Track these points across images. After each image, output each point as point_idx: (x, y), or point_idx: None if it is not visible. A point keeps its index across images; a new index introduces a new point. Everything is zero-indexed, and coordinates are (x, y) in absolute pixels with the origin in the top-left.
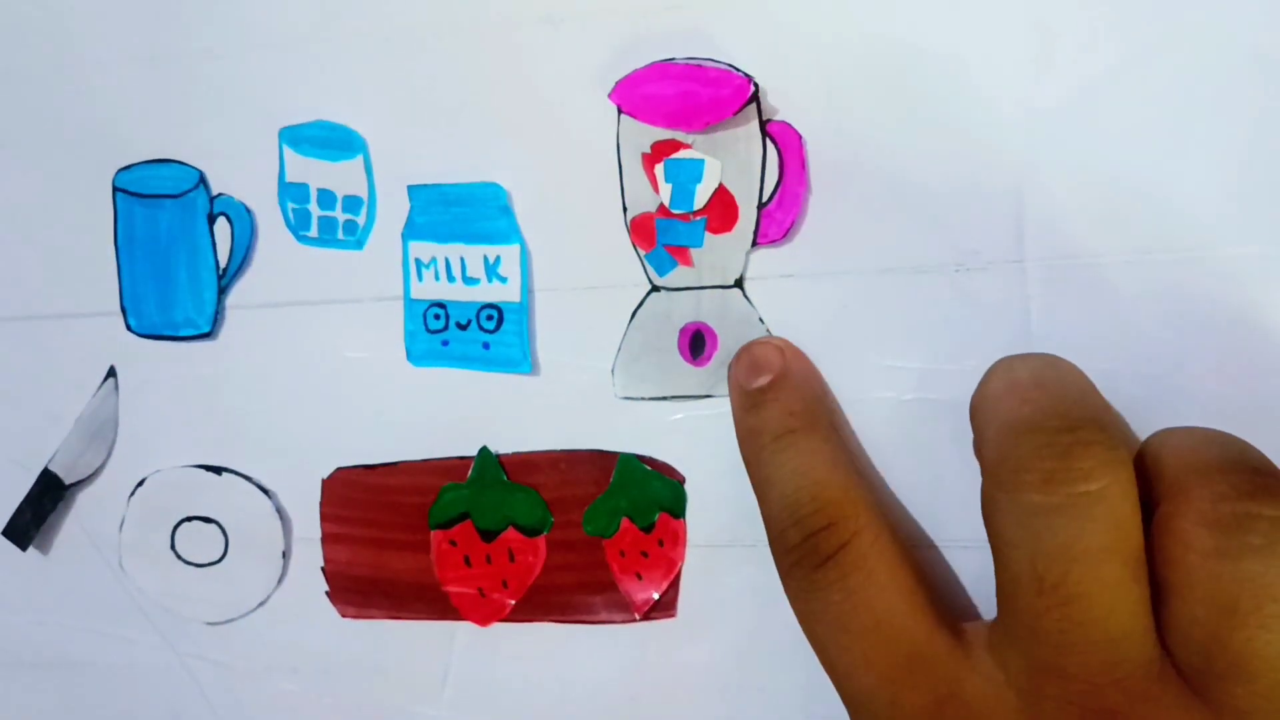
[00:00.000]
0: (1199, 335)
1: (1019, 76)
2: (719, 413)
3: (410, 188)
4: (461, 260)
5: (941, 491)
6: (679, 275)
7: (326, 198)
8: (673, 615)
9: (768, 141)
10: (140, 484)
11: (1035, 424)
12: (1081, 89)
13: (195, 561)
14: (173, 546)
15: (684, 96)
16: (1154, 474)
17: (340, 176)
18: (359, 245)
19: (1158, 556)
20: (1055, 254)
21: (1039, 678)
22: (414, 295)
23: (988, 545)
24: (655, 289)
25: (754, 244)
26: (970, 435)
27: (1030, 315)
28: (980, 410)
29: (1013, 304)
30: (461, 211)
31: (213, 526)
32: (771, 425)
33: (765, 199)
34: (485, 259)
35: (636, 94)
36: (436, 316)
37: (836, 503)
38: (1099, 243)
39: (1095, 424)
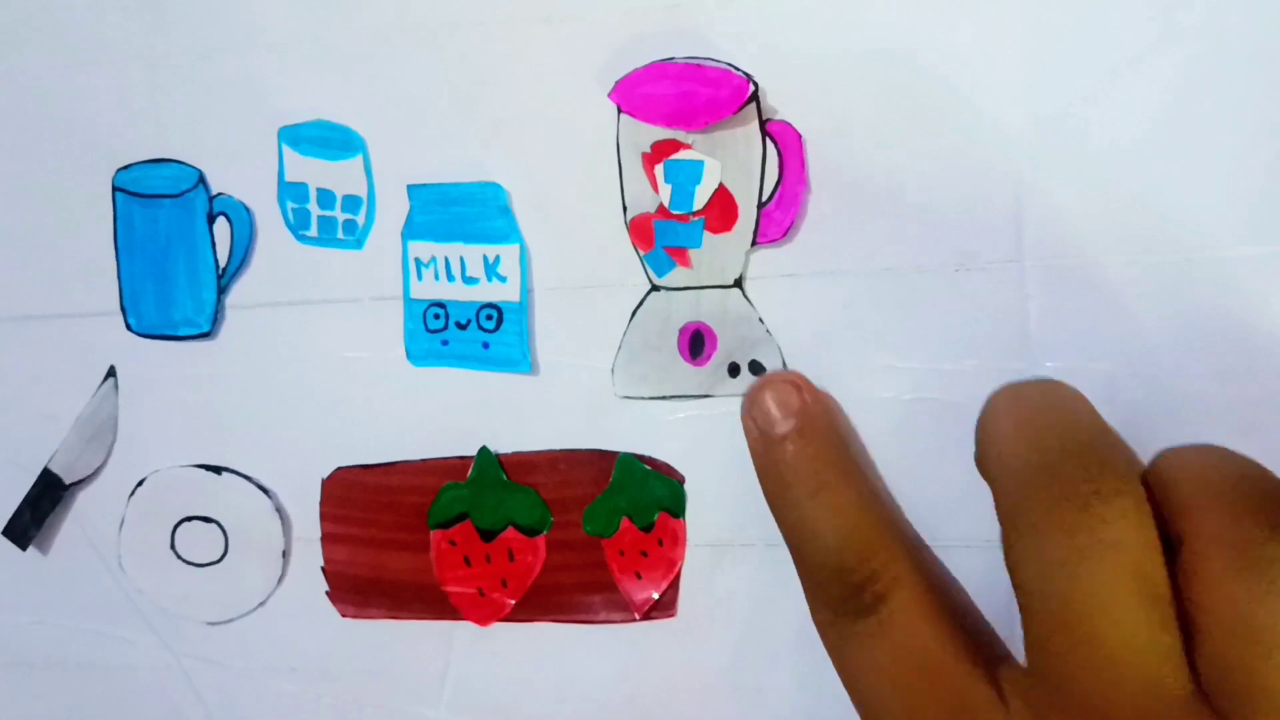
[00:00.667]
0: (1198, 337)
1: (1019, 77)
2: (719, 413)
3: (410, 187)
4: (461, 260)
5: (942, 492)
6: (678, 276)
7: (326, 197)
8: (672, 615)
9: (767, 141)
10: (140, 484)
11: (1051, 473)
12: (1081, 90)
13: (195, 561)
14: (172, 546)
15: (683, 96)
16: (1169, 500)
17: (340, 176)
18: (358, 245)
19: (1183, 593)
20: (1054, 255)
21: None
22: (413, 295)
23: (987, 544)
24: (655, 288)
25: (754, 243)
26: (970, 436)
27: (1029, 316)
28: (989, 450)
29: (1012, 305)
30: (461, 211)
31: (212, 526)
32: (805, 478)
33: (765, 199)
34: (485, 258)
35: (636, 93)
36: (436, 316)
37: (877, 555)
38: (1098, 244)
39: (1113, 471)
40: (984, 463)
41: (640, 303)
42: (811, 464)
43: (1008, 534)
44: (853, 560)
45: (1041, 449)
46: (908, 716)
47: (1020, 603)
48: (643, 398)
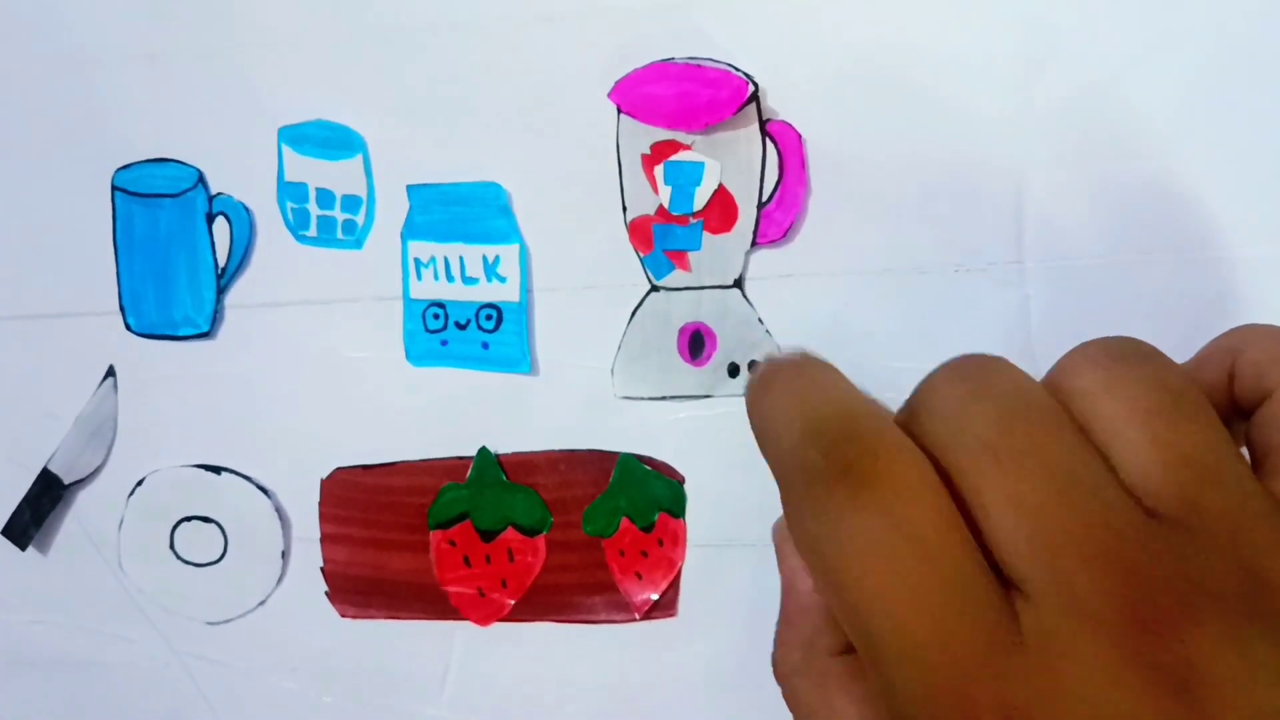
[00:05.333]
0: (1200, 336)
1: (1019, 77)
2: (719, 413)
3: (409, 187)
4: (461, 260)
5: None
6: (677, 278)
7: (325, 197)
8: (673, 615)
9: (767, 141)
10: (139, 483)
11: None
12: (1081, 89)
13: (194, 561)
14: (172, 546)
15: (683, 97)
16: (1246, 364)
17: (339, 176)
18: (358, 245)
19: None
20: (1055, 254)
21: (1058, 571)
22: (413, 295)
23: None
24: (655, 289)
25: (754, 244)
26: None
27: (1030, 315)
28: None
29: (1012, 304)
30: (461, 211)
31: (212, 526)
32: (784, 372)
33: (765, 199)
34: (484, 258)
35: (636, 94)
36: (436, 316)
37: (872, 421)
38: (1099, 243)
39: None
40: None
41: (640, 303)
42: (795, 374)
43: (902, 422)
44: (839, 422)
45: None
46: (900, 598)
47: (960, 478)
48: (642, 398)
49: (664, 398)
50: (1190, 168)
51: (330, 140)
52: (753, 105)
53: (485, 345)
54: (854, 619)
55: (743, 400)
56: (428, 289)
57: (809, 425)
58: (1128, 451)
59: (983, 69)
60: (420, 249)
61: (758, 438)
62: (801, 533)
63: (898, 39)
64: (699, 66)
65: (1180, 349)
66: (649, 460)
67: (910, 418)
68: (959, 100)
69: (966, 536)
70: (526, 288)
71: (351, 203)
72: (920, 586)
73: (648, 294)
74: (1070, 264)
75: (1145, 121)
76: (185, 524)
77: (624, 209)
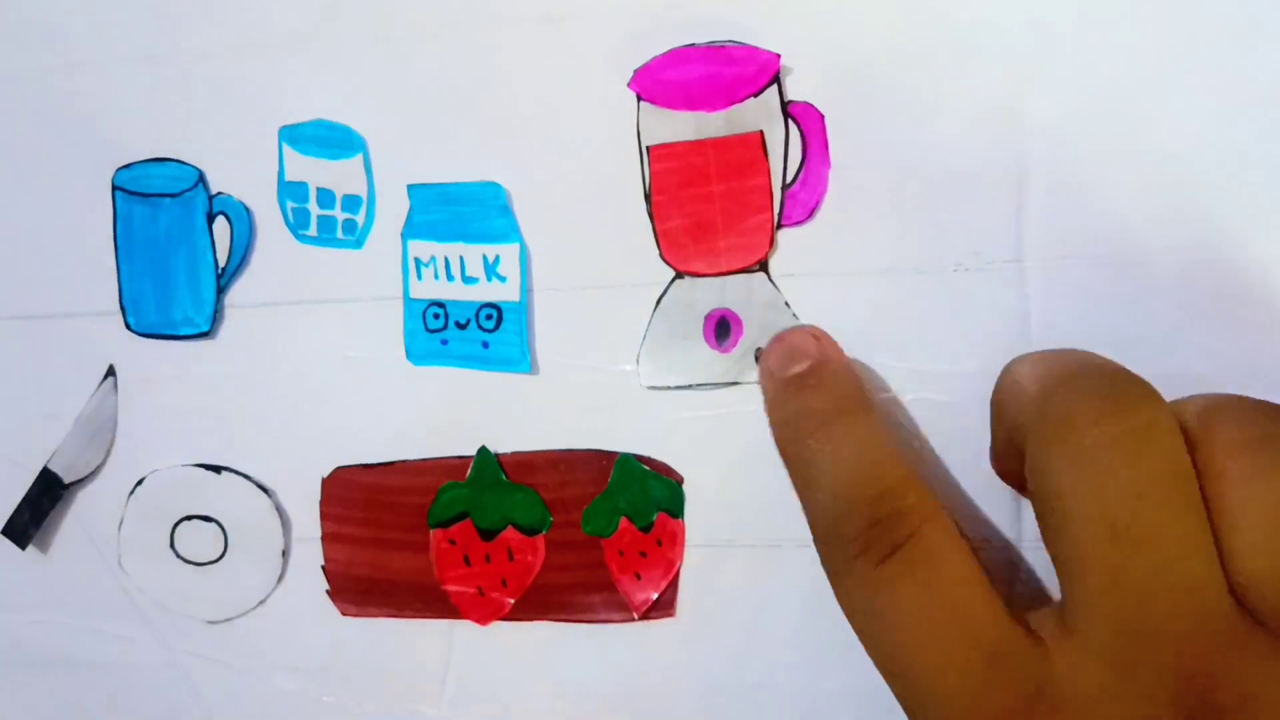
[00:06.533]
0: (1201, 337)
1: (1019, 75)
2: (719, 413)
3: (410, 187)
4: (461, 259)
5: (942, 494)
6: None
7: (326, 197)
8: (671, 615)
9: (789, 122)
10: (139, 483)
11: (1073, 372)
12: (1083, 89)
13: (195, 560)
14: (172, 545)
15: (708, 78)
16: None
17: (339, 175)
18: (358, 244)
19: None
20: (1055, 254)
21: (1127, 646)
22: (413, 294)
23: (988, 546)
24: (679, 275)
25: (778, 226)
26: (970, 436)
27: (1030, 315)
28: (1007, 395)
29: (1012, 304)
30: (461, 210)
31: (212, 525)
32: (816, 411)
33: (789, 180)
34: (485, 258)
35: (656, 80)
36: (436, 316)
37: (900, 488)
38: (1099, 243)
39: (1135, 377)
40: (1003, 408)
41: (664, 291)
42: (825, 399)
43: (1034, 445)
44: (873, 493)
45: (1059, 362)
46: (945, 667)
47: (1053, 515)
48: (669, 387)
49: (690, 386)
50: (1192, 167)
51: (330, 140)
52: (774, 86)
53: (485, 345)
54: (901, 685)
55: (751, 394)
56: (428, 288)
57: (846, 487)
58: (1254, 534)
59: (983, 68)
60: (420, 248)
61: (796, 485)
62: (845, 595)
63: (897, 39)
64: (721, 48)
65: (1181, 350)
66: (648, 460)
67: (1034, 454)
68: (959, 100)
69: (994, 597)
70: (526, 287)
71: (352, 202)
72: (958, 656)
73: (672, 281)
74: (1071, 263)
75: (1147, 121)
76: (185, 523)
77: (646, 197)
